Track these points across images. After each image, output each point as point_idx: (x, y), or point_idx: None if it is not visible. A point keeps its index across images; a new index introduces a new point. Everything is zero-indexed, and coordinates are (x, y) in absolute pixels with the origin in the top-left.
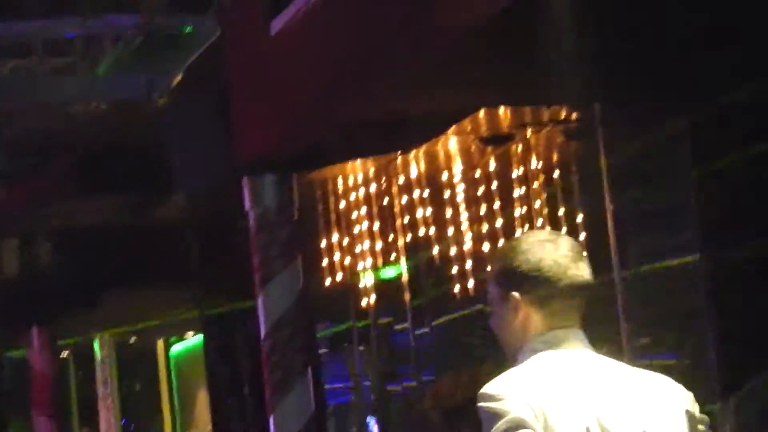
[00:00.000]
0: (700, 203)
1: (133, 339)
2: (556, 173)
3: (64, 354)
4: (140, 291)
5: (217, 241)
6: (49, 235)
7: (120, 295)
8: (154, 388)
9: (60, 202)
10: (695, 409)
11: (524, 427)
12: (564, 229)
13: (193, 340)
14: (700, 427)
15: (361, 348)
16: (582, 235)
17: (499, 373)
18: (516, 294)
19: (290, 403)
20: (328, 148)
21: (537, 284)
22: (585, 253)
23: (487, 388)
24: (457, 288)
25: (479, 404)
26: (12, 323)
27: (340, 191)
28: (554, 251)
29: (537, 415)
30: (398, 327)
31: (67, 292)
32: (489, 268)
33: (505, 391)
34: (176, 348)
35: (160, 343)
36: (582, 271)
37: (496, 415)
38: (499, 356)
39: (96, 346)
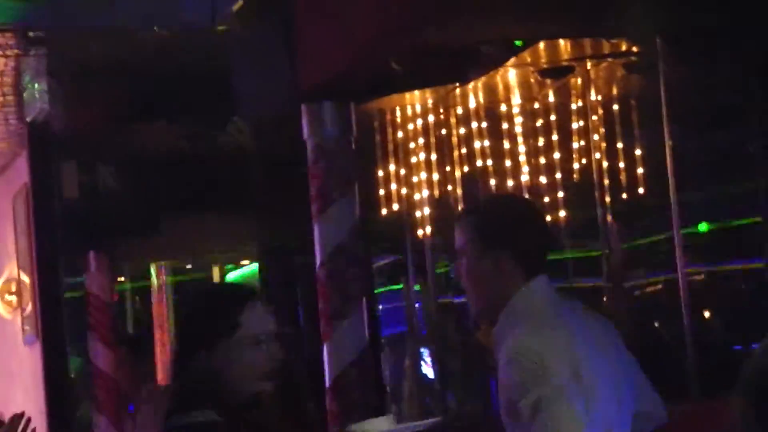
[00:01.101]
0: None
1: (189, 266)
2: (616, 107)
3: (122, 280)
4: (198, 218)
5: (277, 169)
6: (111, 160)
7: (178, 222)
8: None
9: (122, 127)
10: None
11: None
12: (622, 164)
13: (249, 268)
14: None
15: (417, 279)
16: (640, 170)
17: None
18: (501, 248)
19: (344, 332)
20: (389, 78)
21: (522, 239)
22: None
23: (527, 342)
24: None
25: (519, 357)
26: (71, 248)
27: (398, 121)
28: (532, 209)
29: (574, 374)
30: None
31: (126, 218)
32: (464, 223)
33: (544, 350)
34: (232, 276)
35: (216, 271)
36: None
37: (538, 377)
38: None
39: (153, 273)
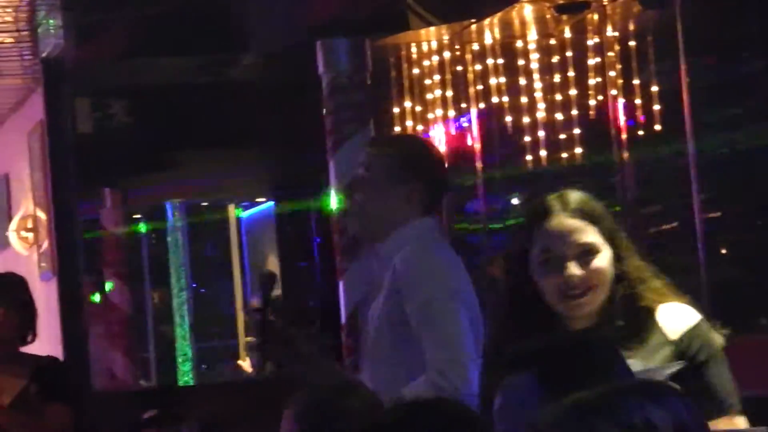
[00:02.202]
0: None
1: (204, 203)
2: (632, 43)
3: (137, 217)
4: (214, 154)
5: (291, 103)
6: (125, 96)
7: (192, 157)
8: (225, 254)
9: (136, 62)
10: None
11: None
12: (638, 101)
13: (264, 205)
14: None
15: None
16: (657, 107)
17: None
18: (416, 181)
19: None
20: (402, 12)
21: (434, 176)
22: None
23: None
24: (529, 157)
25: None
26: (85, 183)
27: (414, 58)
28: (440, 153)
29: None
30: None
31: (140, 154)
32: (382, 153)
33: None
34: (247, 213)
35: (231, 208)
36: None
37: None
38: None
39: (168, 209)
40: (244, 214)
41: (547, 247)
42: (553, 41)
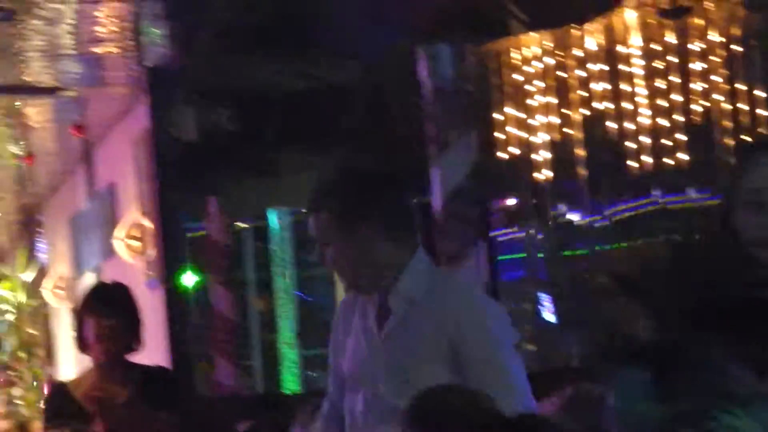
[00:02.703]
0: None
1: (305, 210)
2: (736, 47)
3: (243, 225)
4: (316, 160)
5: (393, 110)
6: (226, 101)
7: (296, 164)
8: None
9: (239, 70)
10: None
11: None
12: (743, 105)
13: None
14: None
15: (535, 223)
16: (761, 111)
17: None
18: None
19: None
20: (504, 18)
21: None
22: None
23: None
24: (632, 164)
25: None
26: (190, 191)
27: (516, 64)
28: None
29: None
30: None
31: (243, 160)
32: (329, 205)
33: None
34: None
35: None
36: None
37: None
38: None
39: (272, 218)
40: None
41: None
42: (656, 46)
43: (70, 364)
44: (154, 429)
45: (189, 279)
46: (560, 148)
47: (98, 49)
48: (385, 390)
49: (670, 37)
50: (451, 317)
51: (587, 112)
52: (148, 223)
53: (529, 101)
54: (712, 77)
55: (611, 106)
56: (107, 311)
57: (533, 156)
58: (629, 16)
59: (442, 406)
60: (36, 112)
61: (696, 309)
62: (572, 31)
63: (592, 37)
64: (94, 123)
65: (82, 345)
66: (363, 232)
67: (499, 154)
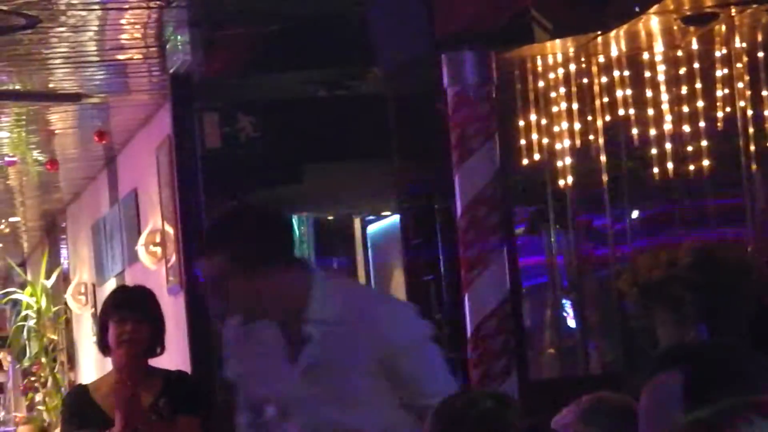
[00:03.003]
0: None
1: (330, 217)
2: (761, 54)
3: None
4: (338, 167)
5: (416, 117)
6: (251, 110)
7: (318, 171)
8: (350, 267)
9: (262, 76)
10: None
11: None
12: (767, 112)
13: (390, 219)
14: None
15: (557, 229)
16: None
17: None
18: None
19: (485, 282)
20: (528, 25)
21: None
22: None
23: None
24: (656, 170)
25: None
26: (212, 198)
27: (539, 70)
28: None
29: None
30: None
31: (267, 168)
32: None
33: None
34: (372, 227)
35: (357, 222)
36: None
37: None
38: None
39: (294, 223)
40: (370, 228)
41: None
42: (680, 53)
43: (92, 369)
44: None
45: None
46: (583, 154)
47: (122, 56)
48: (327, 414)
49: (694, 44)
50: (376, 330)
51: (610, 119)
52: (170, 229)
53: (552, 107)
54: (737, 84)
55: (634, 112)
56: (131, 314)
57: (556, 162)
58: (653, 23)
59: (473, 411)
60: (59, 118)
61: (724, 314)
62: (596, 37)
63: (615, 44)
64: (117, 129)
65: (105, 348)
66: (261, 270)
67: (523, 160)
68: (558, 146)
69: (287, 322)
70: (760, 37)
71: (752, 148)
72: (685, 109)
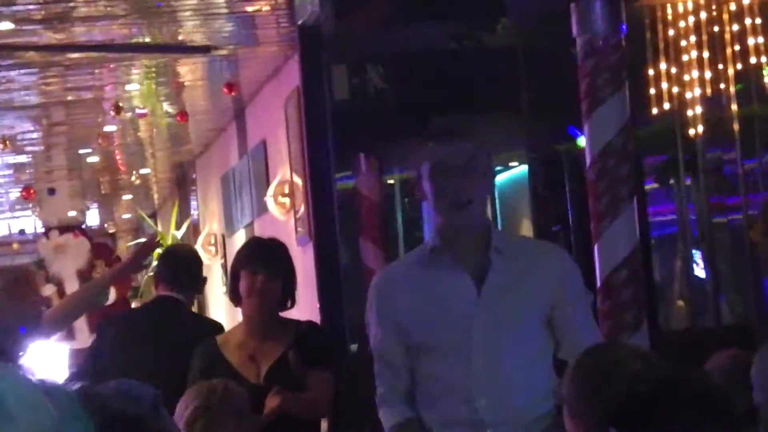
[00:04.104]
0: None
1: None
2: None
3: (391, 181)
4: (467, 120)
5: (546, 67)
6: (380, 62)
7: (446, 123)
8: None
9: (391, 28)
10: None
11: None
12: None
13: (518, 170)
14: None
15: (689, 179)
16: None
17: None
18: None
19: (615, 232)
20: None
21: None
22: None
23: None
24: None
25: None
26: (341, 149)
27: (669, 19)
28: None
29: None
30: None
31: (395, 120)
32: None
33: None
34: (501, 178)
35: None
36: None
37: None
38: None
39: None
40: (498, 179)
41: None
42: None
43: (222, 320)
44: (310, 385)
45: (340, 236)
46: (714, 103)
47: (250, 8)
48: (505, 334)
49: None
50: (550, 274)
51: (742, 67)
52: (299, 181)
53: (683, 56)
54: None
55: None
56: (263, 267)
57: (687, 111)
58: None
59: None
60: (189, 70)
61: None
62: None
63: None
64: (246, 81)
65: (236, 298)
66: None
67: (653, 109)
68: (689, 95)
69: (468, 257)
70: None
71: None
72: None
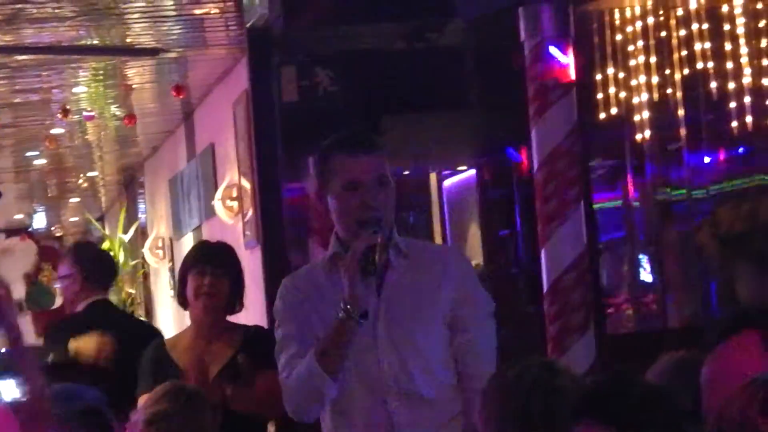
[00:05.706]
0: None
1: (406, 172)
2: None
3: None
4: (416, 122)
5: (493, 70)
6: (329, 63)
7: (395, 125)
8: (426, 222)
9: (340, 29)
10: None
11: None
12: None
13: (466, 173)
14: None
15: (635, 183)
16: None
17: None
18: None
19: (562, 236)
20: None
21: None
22: None
23: None
24: (734, 123)
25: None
26: (289, 152)
27: (617, 24)
28: None
29: None
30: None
31: (344, 121)
32: None
33: None
34: (449, 181)
35: (433, 177)
36: None
37: None
38: None
39: None
40: (446, 182)
41: None
42: (760, 5)
43: (169, 324)
44: (258, 387)
45: (287, 239)
46: (661, 108)
47: (199, 11)
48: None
49: None
50: (451, 272)
51: (688, 72)
52: (247, 184)
53: (630, 61)
54: None
55: (713, 65)
56: (211, 268)
57: (634, 116)
58: None
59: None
60: (137, 73)
61: None
62: None
63: None
64: (194, 84)
65: (183, 301)
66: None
67: (601, 114)
68: (636, 100)
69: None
70: None
71: None
72: (765, 62)
